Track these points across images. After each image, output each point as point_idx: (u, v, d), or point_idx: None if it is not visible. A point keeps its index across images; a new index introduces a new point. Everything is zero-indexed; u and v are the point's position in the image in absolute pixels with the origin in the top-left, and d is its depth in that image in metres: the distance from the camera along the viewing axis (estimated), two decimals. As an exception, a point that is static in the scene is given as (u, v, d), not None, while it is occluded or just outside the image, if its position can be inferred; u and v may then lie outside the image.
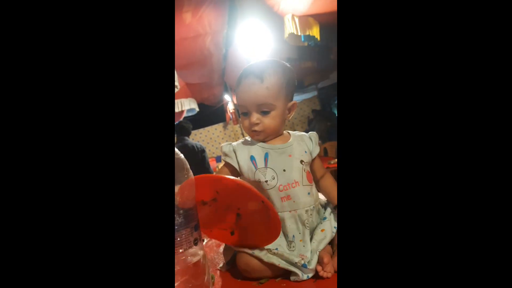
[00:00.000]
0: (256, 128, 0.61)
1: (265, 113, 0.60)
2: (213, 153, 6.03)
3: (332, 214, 0.61)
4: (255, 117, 0.60)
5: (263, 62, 0.62)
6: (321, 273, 0.51)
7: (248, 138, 0.65)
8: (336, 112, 6.22)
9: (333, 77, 5.63)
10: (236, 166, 0.61)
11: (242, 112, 0.63)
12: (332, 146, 3.56)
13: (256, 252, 0.53)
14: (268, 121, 0.60)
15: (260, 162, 0.60)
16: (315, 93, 6.20)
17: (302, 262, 0.52)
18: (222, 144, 0.65)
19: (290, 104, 0.63)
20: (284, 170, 0.58)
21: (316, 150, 0.65)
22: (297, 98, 6.42)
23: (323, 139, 5.30)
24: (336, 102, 6.41)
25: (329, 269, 0.51)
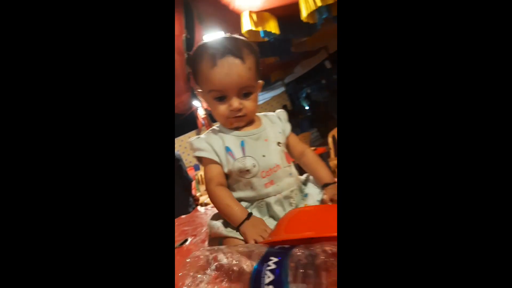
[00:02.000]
0: (240, 113, 0.56)
1: (246, 95, 0.55)
2: (190, 162, 5.90)
3: (313, 188, 0.61)
4: (237, 101, 0.55)
5: (229, 39, 0.57)
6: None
7: (215, 127, 0.61)
8: (305, 104, 6.37)
9: (298, 71, 5.77)
10: (217, 159, 0.56)
11: (217, 97, 0.55)
12: (305, 136, 3.62)
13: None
14: (250, 104, 0.56)
15: (237, 152, 0.56)
16: (282, 89, 6.30)
17: None
18: (190, 139, 0.59)
19: (260, 83, 0.60)
20: (264, 156, 0.56)
21: (288, 127, 0.64)
22: (266, 95, 6.47)
23: (296, 132, 5.38)
24: (304, 95, 6.55)
25: None
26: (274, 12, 2.22)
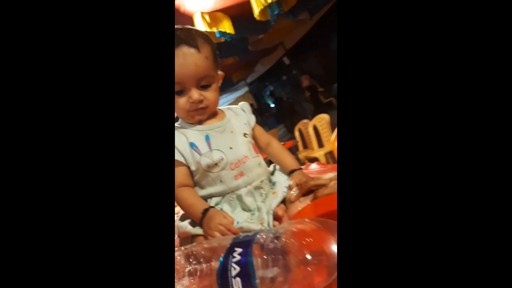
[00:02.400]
0: (202, 105, 0.54)
1: (206, 87, 0.54)
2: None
3: (280, 176, 0.62)
4: (196, 92, 0.53)
5: (181, 29, 0.54)
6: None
7: (177, 124, 0.59)
8: (269, 102, 6.46)
9: (258, 69, 5.83)
10: (181, 159, 0.54)
11: (176, 91, 0.53)
12: (273, 133, 3.67)
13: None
14: (211, 96, 0.54)
15: (203, 147, 0.54)
16: (246, 89, 6.33)
17: (263, 228, 0.51)
18: None
19: (220, 74, 0.59)
20: (231, 148, 0.55)
21: (253, 119, 0.64)
22: (231, 97, 6.46)
23: (264, 130, 5.46)
24: (267, 93, 6.64)
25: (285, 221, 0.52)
26: (226, 11, 2.22)
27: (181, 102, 0.54)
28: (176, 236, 0.64)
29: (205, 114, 0.56)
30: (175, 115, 0.57)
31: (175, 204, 0.56)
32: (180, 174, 0.55)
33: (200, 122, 0.57)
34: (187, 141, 0.54)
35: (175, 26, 0.55)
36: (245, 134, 0.59)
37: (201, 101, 0.53)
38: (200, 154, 0.53)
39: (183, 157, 0.54)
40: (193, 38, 0.52)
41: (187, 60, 0.51)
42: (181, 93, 0.53)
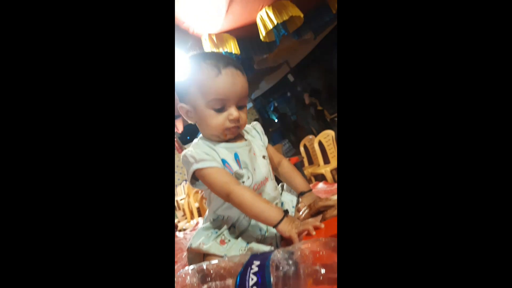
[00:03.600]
0: (238, 124, 0.56)
1: (241, 108, 0.56)
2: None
3: (287, 196, 0.63)
4: (236, 111, 0.55)
5: (224, 55, 0.57)
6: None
7: (201, 140, 0.59)
8: (273, 117, 6.52)
9: (262, 87, 5.93)
10: (220, 166, 0.53)
11: (217, 108, 0.54)
12: (277, 148, 3.69)
13: (228, 254, 0.51)
14: (244, 116, 0.57)
15: (234, 165, 0.55)
16: (250, 104, 6.41)
17: (273, 248, 0.53)
18: (185, 152, 0.55)
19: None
20: (255, 169, 0.57)
21: (266, 140, 0.66)
22: (235, 113, 6.51)
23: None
24: (272, 109, 6.72)
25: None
26: (233, 33, 2.30)
27: (220, 118, 0.55)
28: (184, 252, 0.65)
29: (236, 133, 0.58)
30: (211, 131, 0.57)
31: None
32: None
33: (227, 141, 0.58)
34: (219, 157, 0.55)
35: (217, 51, 0.59)
36: (264, 157, 0.61)
37: (237, 120, 0.55)
38: (231, 171, 0.54)
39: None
40: (233, 61, 0.56)
41: (236, 80, 0.54)
42: (221, 110, 0.55)
